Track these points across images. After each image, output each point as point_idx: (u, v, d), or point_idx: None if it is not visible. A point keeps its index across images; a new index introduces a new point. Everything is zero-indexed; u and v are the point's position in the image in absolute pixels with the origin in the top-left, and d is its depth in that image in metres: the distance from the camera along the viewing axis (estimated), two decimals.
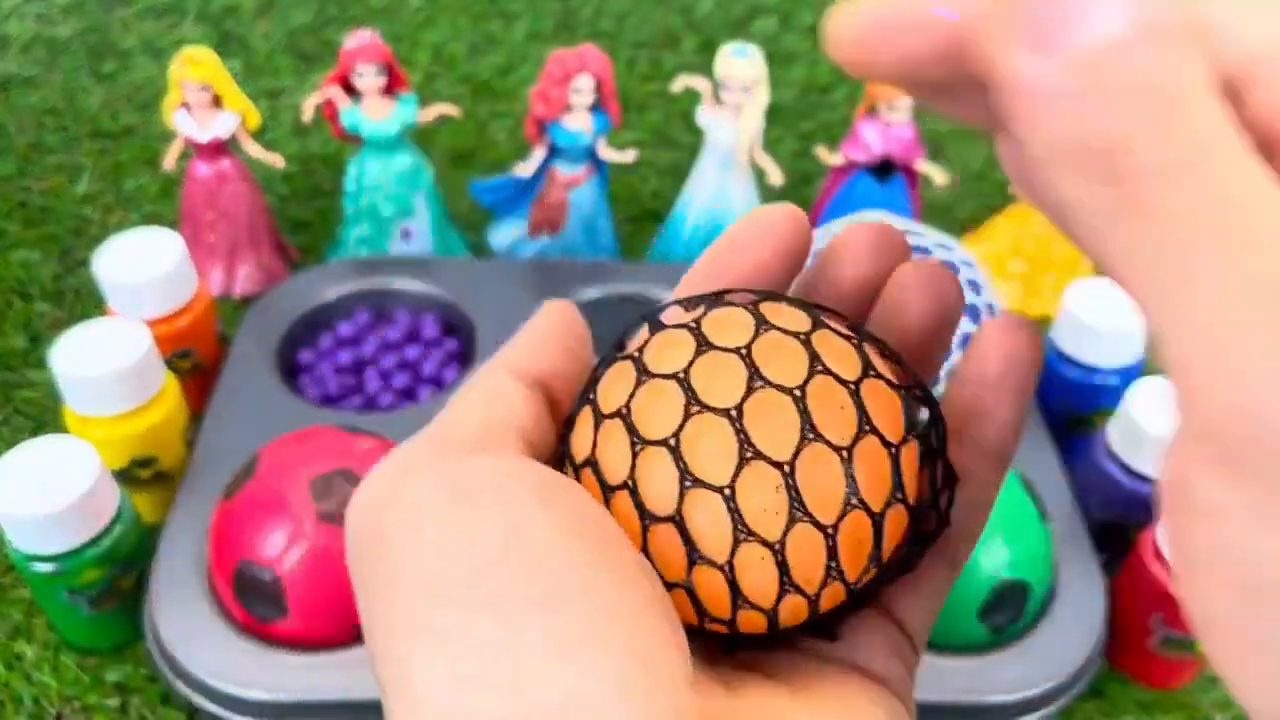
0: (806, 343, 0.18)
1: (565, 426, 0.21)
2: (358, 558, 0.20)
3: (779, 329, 0.19)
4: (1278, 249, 0.13)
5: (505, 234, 0.69)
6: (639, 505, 0.18)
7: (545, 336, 0.23)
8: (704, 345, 0.19)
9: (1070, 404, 0.55)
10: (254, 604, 0.44)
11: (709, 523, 0.18)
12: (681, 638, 0.18)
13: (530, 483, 0.19)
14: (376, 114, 0.62)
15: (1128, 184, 0.13)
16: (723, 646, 0.19)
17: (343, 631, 0.44)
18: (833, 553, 0.18)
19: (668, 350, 0.19)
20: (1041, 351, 0.21)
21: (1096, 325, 0.53)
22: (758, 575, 0.18)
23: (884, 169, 0.65)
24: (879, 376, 0.19)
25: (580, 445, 0.20)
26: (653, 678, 0.17)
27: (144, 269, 0.52)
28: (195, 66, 0.60)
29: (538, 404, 0.21)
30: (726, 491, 0.18)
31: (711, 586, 0.18)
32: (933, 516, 0.19)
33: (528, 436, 0.21)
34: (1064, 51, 0.13)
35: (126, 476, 0.50)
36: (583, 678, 0.16)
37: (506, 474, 0.19)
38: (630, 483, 0.18)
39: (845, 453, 0.18)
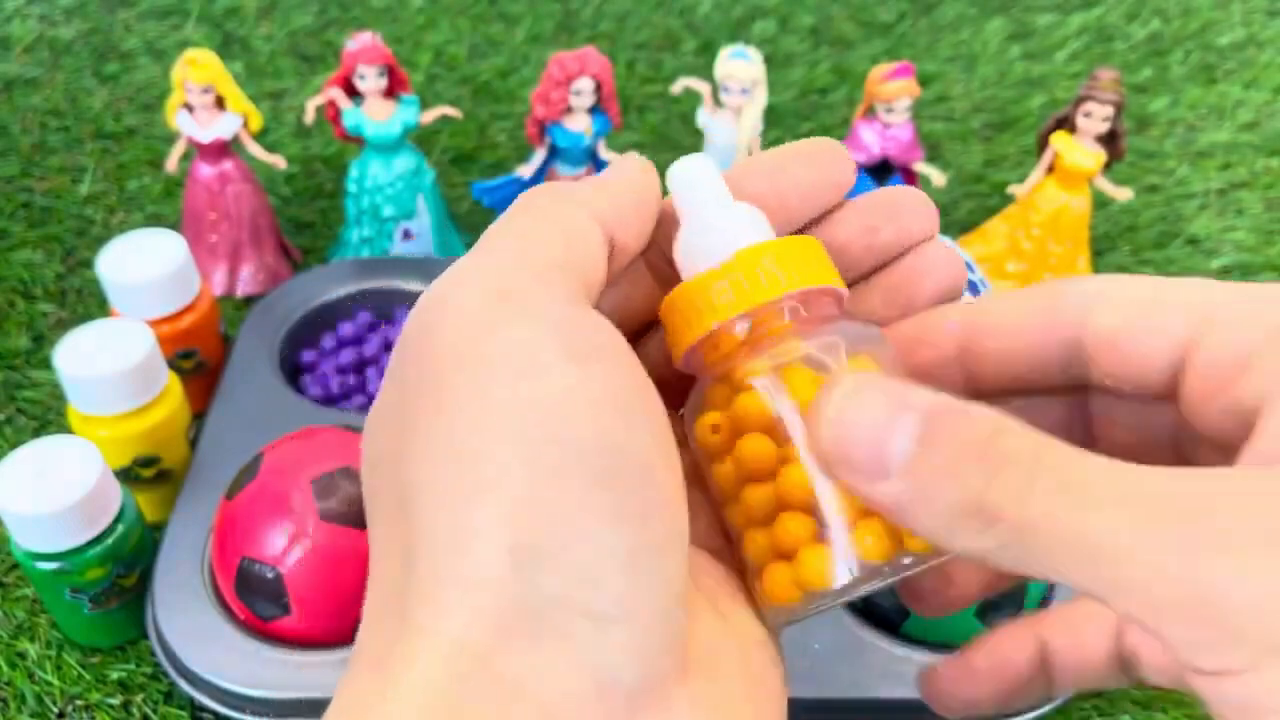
0: None
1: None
2: (403, 350, 0.21)
3: None
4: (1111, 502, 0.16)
5: None
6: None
7: (625, 189, 0.24)
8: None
9: None
10: (256, 602, 0.44)
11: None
12: (685, 529, 0.19)
13: (606, 342, 0.20)
14: (378, 115, 0.62)
15: (998, 520, 0.17)
16: None
17: (344, 630, 0.44)
18: None
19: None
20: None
21: None
22: None
23: (882, 170, 0.65)
24: None
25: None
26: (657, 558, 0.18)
27: (147, 269, 0.53)
28: (197, 68, 0.60)
29: (606, 253, 0.22)
30: None
31: None
32: None
33: (591, 284, 0.21)
34: (892, 476, 0.18)
35: (129, 476, 0.50)
36: (599, 535, 0.18)
37: (605, 332, 0.20)
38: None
39: None
